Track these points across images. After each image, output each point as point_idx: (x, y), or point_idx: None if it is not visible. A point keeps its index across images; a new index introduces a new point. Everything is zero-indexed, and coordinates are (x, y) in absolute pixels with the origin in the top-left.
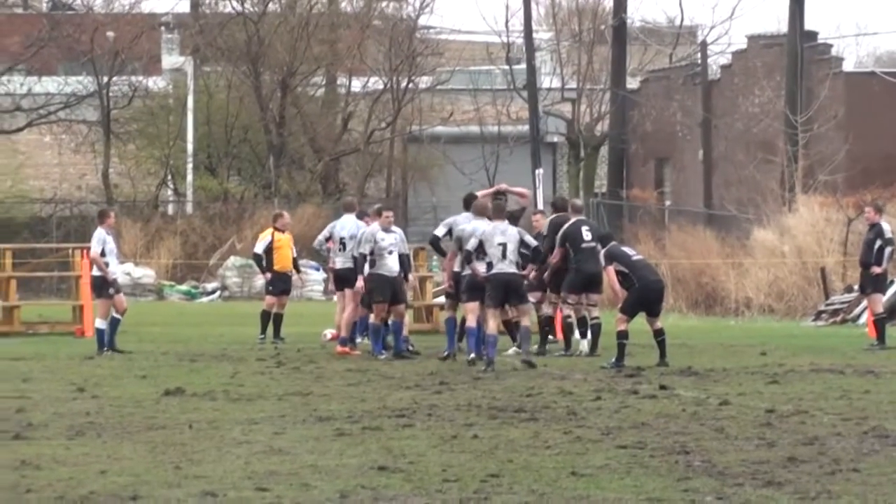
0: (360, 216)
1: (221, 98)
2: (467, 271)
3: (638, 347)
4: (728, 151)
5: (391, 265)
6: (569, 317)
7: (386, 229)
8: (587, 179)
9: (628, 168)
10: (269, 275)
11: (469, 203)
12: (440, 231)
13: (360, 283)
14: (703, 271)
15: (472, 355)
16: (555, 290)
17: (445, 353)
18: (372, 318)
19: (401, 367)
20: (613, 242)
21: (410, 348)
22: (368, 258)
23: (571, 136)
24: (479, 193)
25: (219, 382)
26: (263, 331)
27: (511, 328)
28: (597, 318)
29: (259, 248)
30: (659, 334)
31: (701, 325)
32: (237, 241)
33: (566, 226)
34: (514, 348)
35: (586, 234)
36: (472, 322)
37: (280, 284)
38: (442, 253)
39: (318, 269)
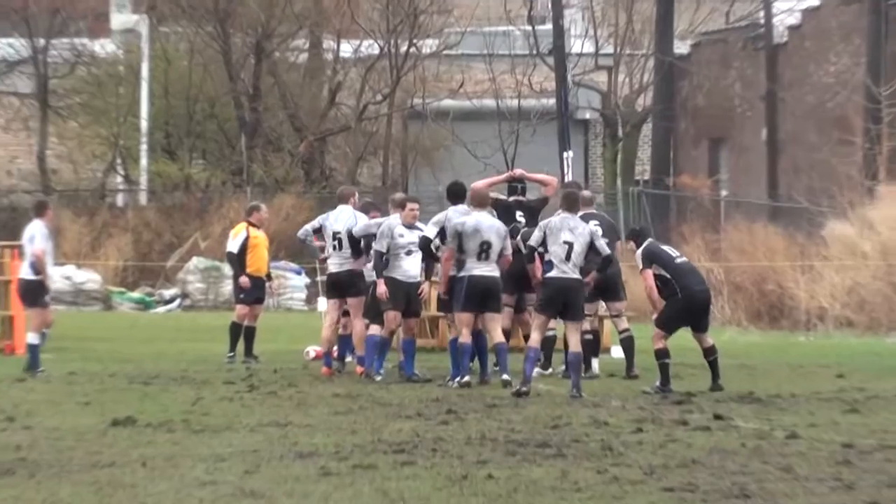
0: (366, 210)
1: (183, 65)
2: (462, 273)
3: (688, 368)
4: (797, 130)
5: (408, 268)
6: (588, 332)
7: (409, 225)
8: (626, 164)
9: (676, 151)
10: (246, 279)
11: (454, 194)
12: (431, 231)
13: (381, 287)
14: (767, 276)
15: (466, 378)
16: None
17: (450, 381)
18: (375, 329)
19: (399, 391)
20: (651, 239)
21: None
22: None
23: (607, 112)
24: (485, 182)
25: (178, 410)
26: (233, 348)
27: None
28: (627, 330)
29: (234, 245)
30: (710, 353)
31: (764, 341)
32: (201, 239)
33: None
34: (539, 369)
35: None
36: (466, 337)
37: (253, 291)
38: (434, 257)
39: (299, 273)
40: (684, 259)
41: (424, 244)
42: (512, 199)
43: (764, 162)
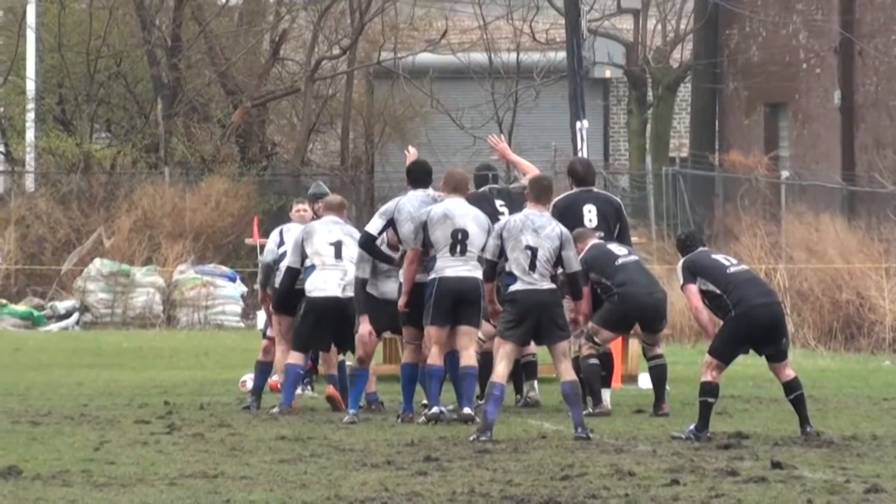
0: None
1: (81, 9)
2: (432, 274)
3: (738, 402)
4: (882, 93)
5: (385, 290)
6: (594, 363)
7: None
8: (658, 137)
9: (723, 120)
10: None
11: (417, 176)
12: (374, 226)
13: (364, 327)
14: (842, 281)
15: (435, 409)
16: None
17: (431, 412)
18: (295, 357)
19: (363, 433)
20: (702, 248)
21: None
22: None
23: (633, 70)
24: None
25: (76, 458)
26: None
27: (519, 370)
28: (659, 356)
29: None
30: (792, 388)
31: (837, 365)
32: (105, 236)
33: (558, 199)
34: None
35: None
36: (436, 359)
37: None
38: (383, 258)
39: (233, 280)
40: (742, 267)
41: (365, 242)
42: (485, 188)
43: (837, 134)
